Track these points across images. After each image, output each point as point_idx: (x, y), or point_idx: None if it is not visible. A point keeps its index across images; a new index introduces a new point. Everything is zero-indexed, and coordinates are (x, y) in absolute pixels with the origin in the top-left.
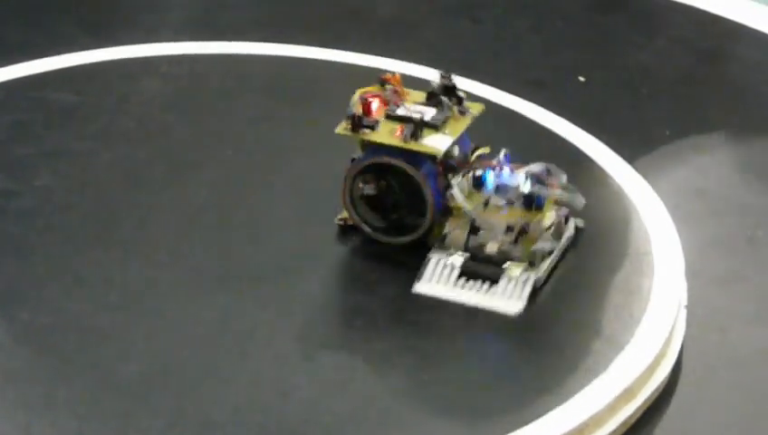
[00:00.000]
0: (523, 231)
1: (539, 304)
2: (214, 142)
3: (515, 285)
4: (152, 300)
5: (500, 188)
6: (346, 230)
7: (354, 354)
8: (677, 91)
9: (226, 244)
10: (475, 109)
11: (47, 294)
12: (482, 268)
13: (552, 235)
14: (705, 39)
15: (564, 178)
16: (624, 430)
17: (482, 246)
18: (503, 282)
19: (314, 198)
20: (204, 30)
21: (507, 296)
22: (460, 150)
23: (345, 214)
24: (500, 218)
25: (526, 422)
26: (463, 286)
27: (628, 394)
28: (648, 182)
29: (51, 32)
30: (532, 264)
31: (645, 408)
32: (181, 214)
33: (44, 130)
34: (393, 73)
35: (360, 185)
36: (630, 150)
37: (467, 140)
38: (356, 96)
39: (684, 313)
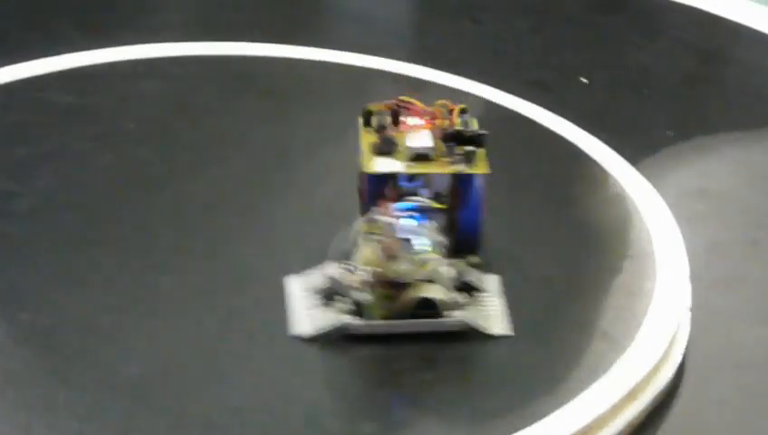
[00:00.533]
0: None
1: (542, 305)
2: (214, 143)
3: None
4: (153, 301)
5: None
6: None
7: (356, 356)
8: (679, 92)
9: (227, 245)
10: (477, 169)
11: (48, 294)
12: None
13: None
14: (706, 40)
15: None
16: (628, 431)
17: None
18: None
19: (315, 198)
20: (204, 31)
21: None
22: (433, 189)
23: None
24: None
25: (529, 424)
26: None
27: (631, 396)
28: (651, 183)
29: (51, 33)
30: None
31: (649, 409)
32: (182, 215)
33: (45, 131)
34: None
35: None
36: (632, 151)
37: (476, 199)
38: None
39: (687, 314)
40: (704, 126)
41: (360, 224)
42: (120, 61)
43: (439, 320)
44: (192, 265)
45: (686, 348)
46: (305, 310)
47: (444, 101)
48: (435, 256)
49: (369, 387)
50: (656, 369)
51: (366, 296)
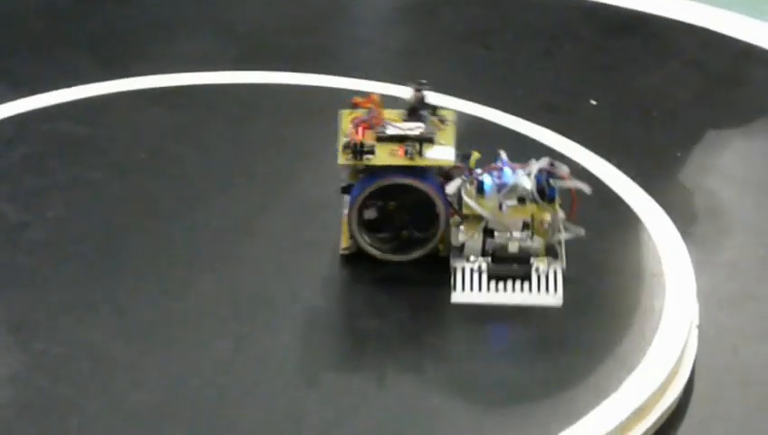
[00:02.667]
0: (540, 225)
1: (551, 324)
2: (224, 171)
3: (546, 278)
4: (164, 329)
5: (504, 189)
6: (350, 258)
7: (366, 379)
8: (689, 114)
9: (237, 272)
10: (449, 115)
11: (60, 323)
12: (510, 268)
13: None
14: (716, 61)
15: (566, 169)
16: None
17: (503, 247)
18: (534, 278)
19: (324, 223)
20: (214, 60)
21: (544, 291)
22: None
23: (346, 243)
24: (515, 217)
25: None
26: (497, 289)
27: (640, 413)
28: (660, 204)
29: (62, 65)
30: (553, 254)
31: (657, 427)
32: (193, 243)
33: (57, 162)
34: (368, 95)
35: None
36: (642, 173)
37: None
38: (348, 125)
39: (695, 332)
40: (713, 147)
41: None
42: (131, 91)
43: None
44: (202, 292)
45: (695, 366)
46: (524, 294)
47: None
48: None
49: (381, 410)
50: (664, 387)
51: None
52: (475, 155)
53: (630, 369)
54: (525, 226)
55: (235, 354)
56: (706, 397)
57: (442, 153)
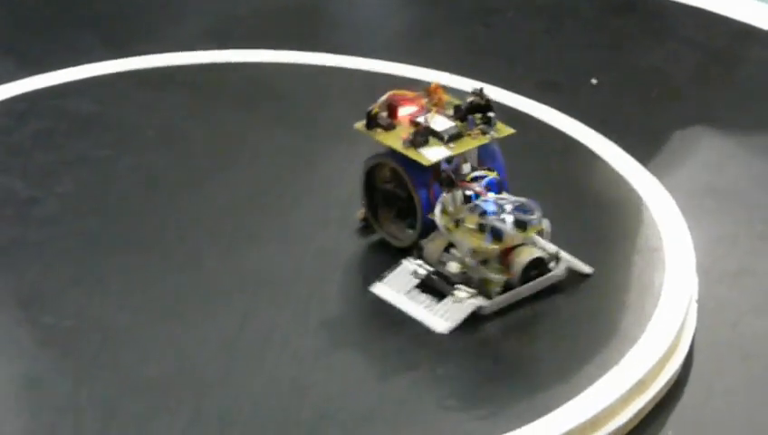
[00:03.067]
0: (486, 259)
1: (552, 299)
2: (231, 148)
3: (455, 307)
4: (171, 303)
5: (476, 211)
6: (364, 231)
7: (370, 352)
8: (688, 92)
9: (244, 247)
10: (501, 132)
11: (69, 298)
12: (436, 284)
13: (513, 270)
14: (714, 40)
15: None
16: (636, 421)
17: (446, 263)
18: (446, 301)
19: (330, 201)
20: (220, 39)
21: (440, 315)
22: (474, 167)
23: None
24: (467, 240)
25: (540, 415)
26: (412, 296)
27: (640, 386)
28: (659, 181)
29: (72, 44)
30: (484, 292)
31: (657, 400)
32: (200, 218)
33: (66, 139)
34: (436, 84)
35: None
36: (642, 150)
37: (500, 161)
38: (385, 96)
39: (695, 307)
40: (712, 125)
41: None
42: (138, 69)
43: (548, 275)
44: (209, 267)
45: (694, 340)
46: (425, 309)
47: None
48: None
49: (384, 383)
50: (664, 360)
51: (484, 274)
52: (485, 173)
53: (631, 343)
54: (476, 253)
55: (240, 329)
56: (706, 370)
57: (432, 153)
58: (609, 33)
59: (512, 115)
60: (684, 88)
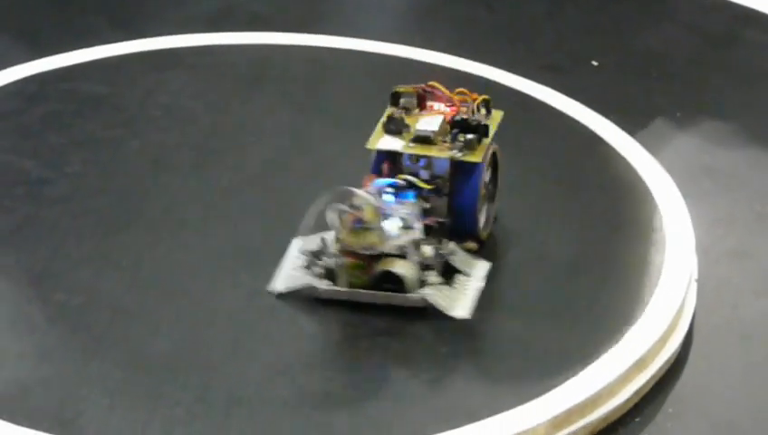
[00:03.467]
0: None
1: (553, 278)
2: (237, 129)
3: (298, 275)
4: (180, 280)
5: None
6: None
7: (374, 328)
8: (687, 75)
9: (249, 225)
10: (469, 156)
11: (80, 275)
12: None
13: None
14: (713, 23)
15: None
16: (637, 399)
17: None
18: (303, 270)
19: (332, 180)
20: (225, 21)
21: (281, 279)
22: (433, 171)
23: None
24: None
25: (542, 393)
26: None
27: (640, 365)
28: (659, 162)
29: (81, 26)
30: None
31: (657, 378)
32: (207, 197)
33: (75, 120)
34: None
35: None
36: (641, 131)
37: (471, 189)
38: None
39: (694, 287)
40: (711, 107)
41: (336, 195)
42: (146, 51)
43: (401, 295)
44: (215, 246)
45: (694, 320)
46: (288, 269)
47: (463, 90)
48: (408, 232)
49: (389, 358)
50: (663, 339)
51: (336, 262)
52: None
53: (631, 322)
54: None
55: (247, 306)
56: (705, 350)
57: (385, 141)
58: (609, 16)
59: (514, 97)
60: (683, 70)
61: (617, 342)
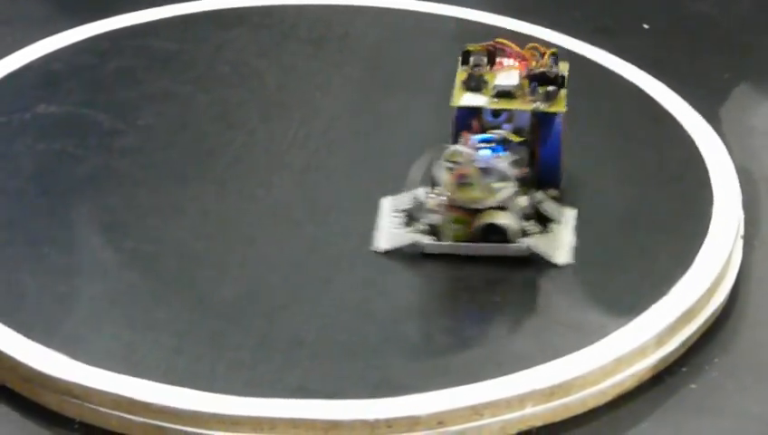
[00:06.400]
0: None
1: (605, 231)
2: (303, 85)
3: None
4: (245, 229)
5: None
6: None
7: (432, 280)
8: (736, 38)
9: (314, 178)
10: (553, 107)
11: (149, 224)
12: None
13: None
14: None
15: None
16: (684, 350)
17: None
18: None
19: (407, 132)
20: None
21: (383, 236)
22: (515, 124)
23: None
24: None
25: (590, 342)
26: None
27: (688, 315)
28: (708, 121)
29: None
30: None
31: (704, 329)
32: (272, 151)
33: (147, 75)
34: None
35: None
36: (691, 92)
37: (554, 139)
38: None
39: (740, 242)
40: (760, 69)
41: (438, 152)
42: (212, 11)
43: (504, 245)
44: (281, 197)
45: (740, 272)
46: (388, 228)
47: (535, 45)
48: (507, 185)
49: (444, 308)
50: (710, 292)
51: (439, 219)
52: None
53: (680, 273)
54: None
55: (309, 255)
56: (750, 302)
57: (467, 97)
58: None
59: (567, 58)
60: (732, 34)
61: (665, 293)
